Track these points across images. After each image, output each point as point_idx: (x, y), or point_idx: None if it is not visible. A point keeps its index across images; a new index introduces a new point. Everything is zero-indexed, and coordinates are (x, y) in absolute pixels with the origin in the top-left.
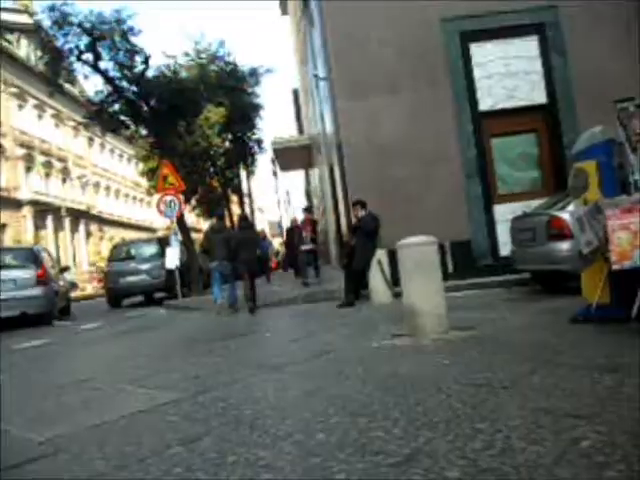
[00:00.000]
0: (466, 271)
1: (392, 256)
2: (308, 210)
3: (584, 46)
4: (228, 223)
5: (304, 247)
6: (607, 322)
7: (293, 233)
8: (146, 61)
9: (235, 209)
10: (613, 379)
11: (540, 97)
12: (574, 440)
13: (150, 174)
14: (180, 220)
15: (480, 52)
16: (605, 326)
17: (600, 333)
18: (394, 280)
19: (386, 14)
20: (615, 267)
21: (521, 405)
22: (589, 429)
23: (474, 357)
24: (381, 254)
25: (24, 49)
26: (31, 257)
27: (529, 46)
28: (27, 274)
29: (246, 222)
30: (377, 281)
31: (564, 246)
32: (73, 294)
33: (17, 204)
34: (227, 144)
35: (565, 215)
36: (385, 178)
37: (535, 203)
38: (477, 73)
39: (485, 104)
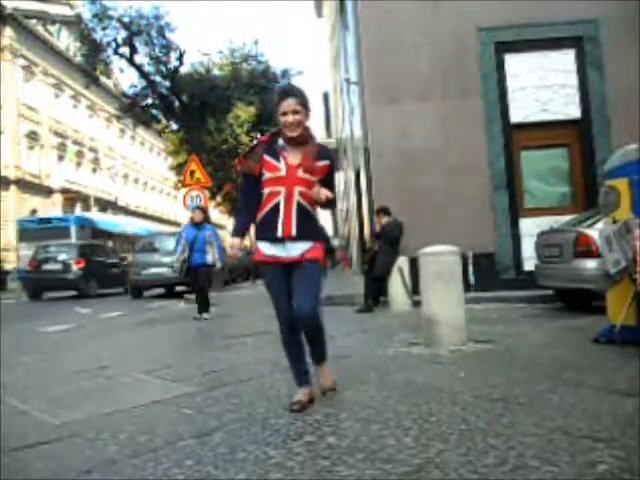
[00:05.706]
0: (488, 284)
1: (413, 264)
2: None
3: (622, 62)
4: None
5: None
6: (631, 344)
7: None
8: (180, 57)
9: None
10: (634, 404)
11: (574, 111)
12: (591, 463)
13: (179, 169)
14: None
15: (515, 63)
16: (628, 348)
17: (622, 355)
18: (414, 288)
19: (422, 21)
20: None
21: (537, 423)
22: (607, 453)
23: (491, 371)
24: (402, 261)
25: (64, 40)
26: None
27: (566, 59)
28: None
29: None
30: (397, 288)
31: (590, 264)
32: None
33: (48, 191)
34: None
35: (593, 233)
36: (411, 185)
37: (563, 219)
38: (510, 84)
39: (517, 116)
